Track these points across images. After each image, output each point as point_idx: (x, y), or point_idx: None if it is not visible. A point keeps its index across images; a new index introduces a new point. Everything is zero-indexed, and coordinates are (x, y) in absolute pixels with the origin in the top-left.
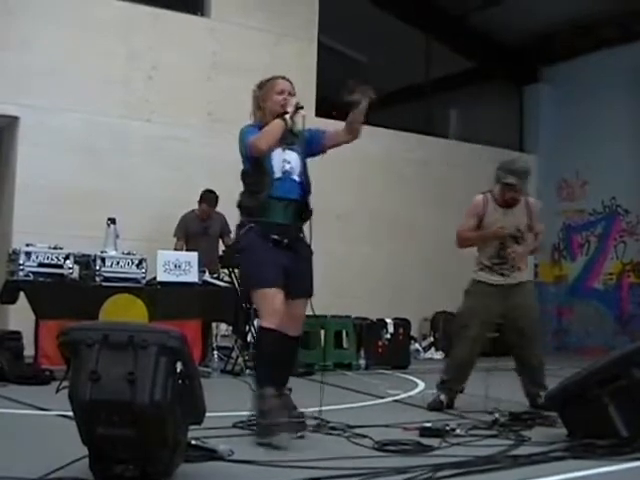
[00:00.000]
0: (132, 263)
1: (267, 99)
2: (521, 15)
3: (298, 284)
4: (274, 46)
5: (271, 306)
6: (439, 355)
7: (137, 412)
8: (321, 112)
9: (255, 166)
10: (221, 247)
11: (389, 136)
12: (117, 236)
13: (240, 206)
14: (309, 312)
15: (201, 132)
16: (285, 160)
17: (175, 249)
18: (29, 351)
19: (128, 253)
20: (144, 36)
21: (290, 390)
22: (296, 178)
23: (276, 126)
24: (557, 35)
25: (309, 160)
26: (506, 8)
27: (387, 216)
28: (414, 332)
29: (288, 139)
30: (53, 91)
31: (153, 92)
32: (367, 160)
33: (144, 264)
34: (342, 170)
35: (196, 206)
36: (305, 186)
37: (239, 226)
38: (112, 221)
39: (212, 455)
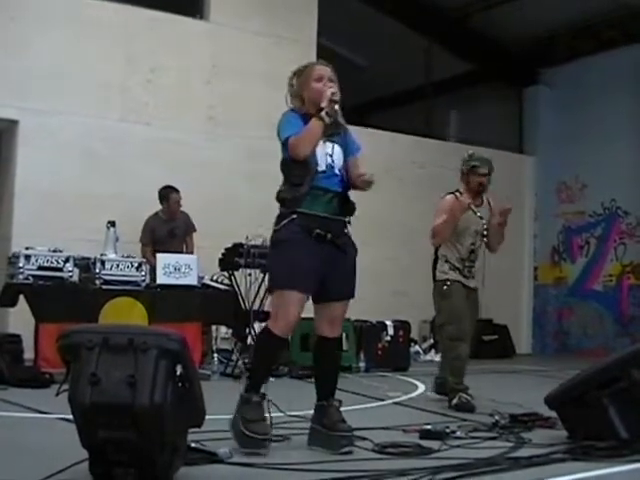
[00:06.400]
0: (132, 266)
1: (305, 88)
2: (521, 17)
3: (338, 285)
4: (273, 49)
5: (288, 314)
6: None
7: (137, 415)
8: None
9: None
10: (221, 249)
11: (389, 138)
12: (117, 239)
13: (280, 198)
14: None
15: (200, 135)
16: (328, 154)
17: (143, 256)
18: (29, 354)
19: (128, 256)
20: (143, 40)
21: (340, 402)
22: (337, 172)
23: (314, 129)
24: (557, 37)
25: None
26: (506, 10)
27: (387, 218)
28: (414, 334)
29: (328, 130)
30: (53, 94)
31: (152, 95)
32: (368, 163)
33: (144, 267)
34: None
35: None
36: (346, 180)
37: (279, 217)
38: (112, 224)
39: (212, 458)
